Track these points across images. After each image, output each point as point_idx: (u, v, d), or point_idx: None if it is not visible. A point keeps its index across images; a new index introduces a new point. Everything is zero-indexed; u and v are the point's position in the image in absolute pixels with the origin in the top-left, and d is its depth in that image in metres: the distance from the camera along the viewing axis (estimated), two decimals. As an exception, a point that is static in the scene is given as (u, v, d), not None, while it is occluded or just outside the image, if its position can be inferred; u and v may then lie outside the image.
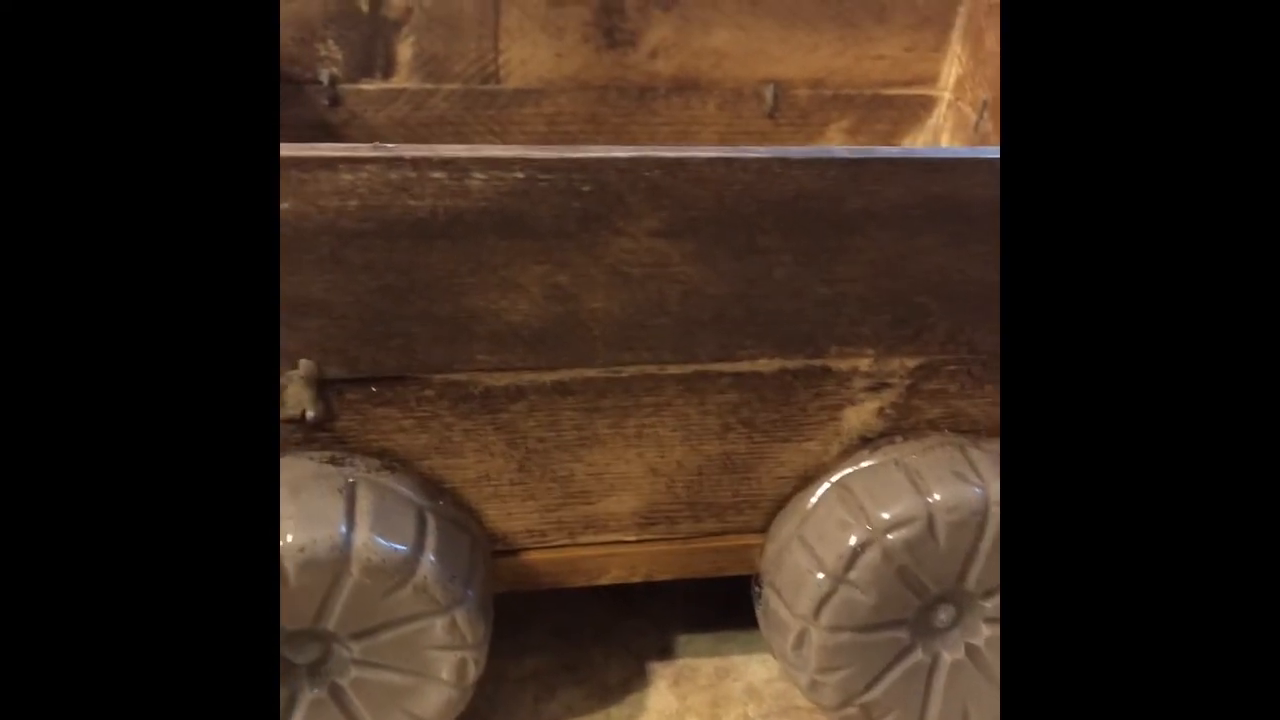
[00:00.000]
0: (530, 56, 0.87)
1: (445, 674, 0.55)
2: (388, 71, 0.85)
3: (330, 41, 0.83)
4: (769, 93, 0.92)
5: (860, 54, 0.92)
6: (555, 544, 0.59)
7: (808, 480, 0.60)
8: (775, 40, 0.90)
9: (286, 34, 0.82)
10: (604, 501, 0.58)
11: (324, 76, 0.84)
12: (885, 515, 0.55)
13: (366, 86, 0.85)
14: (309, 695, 0.55)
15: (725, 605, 0.71)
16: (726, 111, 0.92)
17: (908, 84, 0.95)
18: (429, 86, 0.86)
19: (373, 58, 0.84)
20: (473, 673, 0.55)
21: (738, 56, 0.90)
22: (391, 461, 0.54)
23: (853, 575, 0.56)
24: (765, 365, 0.56)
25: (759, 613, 0.62)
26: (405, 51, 0.85)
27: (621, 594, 0.72)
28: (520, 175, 0.49)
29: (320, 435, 0.53)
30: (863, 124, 0.95)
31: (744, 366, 0.56)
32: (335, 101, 0.85)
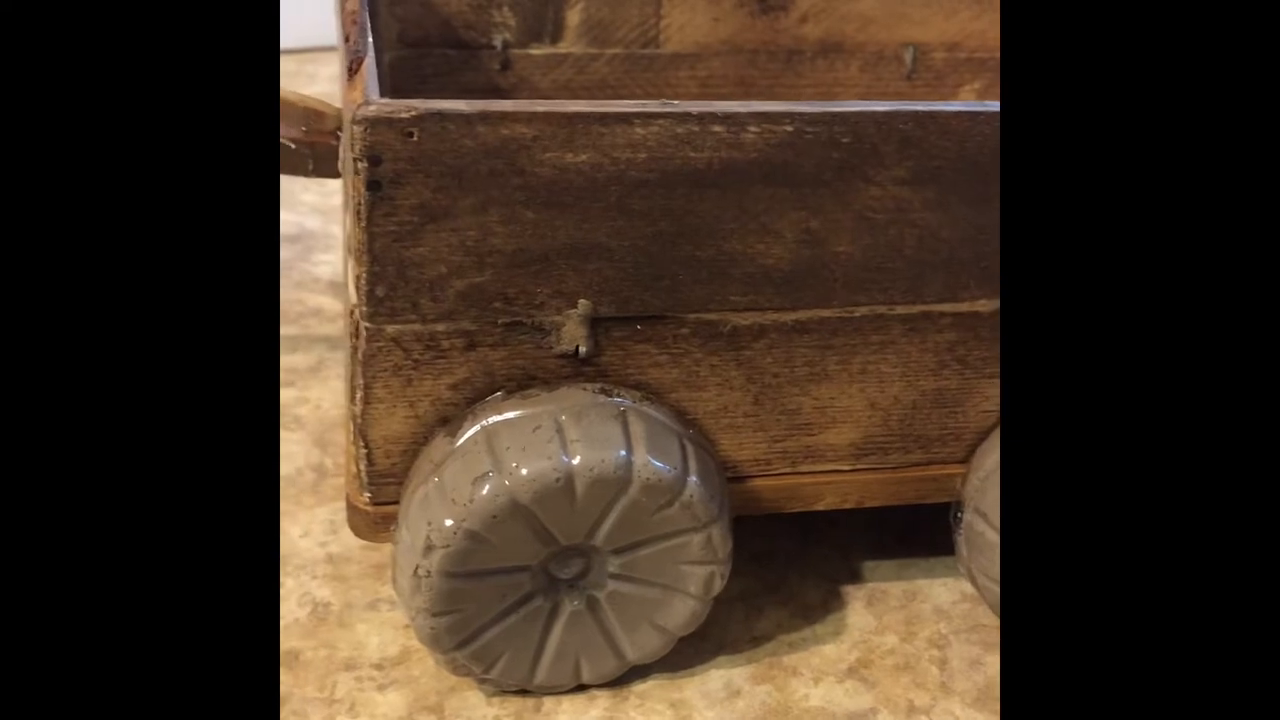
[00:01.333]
0: (688, 22, 0.91)
1: (694, 588, 0.60)
2: (556, 36, 0.90)
3: (505, 8, 0.87)
4: (909, 55, 0.96)
5: (995, 19, 0.96)
6: (778, 472, 0.64)
7: (1009, 414, 0.65)
8: (917, 4, 0.94)
9: (465, 0, 0.86)
10: (825, 433, 0.63)
11: (497, 41, 0.88)
12: (1095, 443, 0.60)
13: (535, 51, 0.90)
14: (569, 608, 0.60)
15: (901, 532, 0.76)
16: (867, 74, 0.96)
17: (1036, 47, 0.98)
18: (593, 51, 0.91)
19: (543, 23, 0.89)
20: (718, 586, 0.61)
21: (881, 20, 0.94)
22: (648, 394, 0.59)
23: (1064, 498, 0.61)
24: (984, 306, 0.61)
25: (958, 537, 0.67)
26: (574, 17, 0.89)
27: (804, 523, 0.77)
28: (790, 128, 0.53)
29: (586, 369, 0.58)
30: (993, 86, 0.99)
31: (964, 307, 0.61)
32: (506, 65, 0.89)
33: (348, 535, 0.71)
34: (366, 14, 0.62)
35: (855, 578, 0.73)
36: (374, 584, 0.69)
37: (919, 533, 0.75)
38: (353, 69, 0.55)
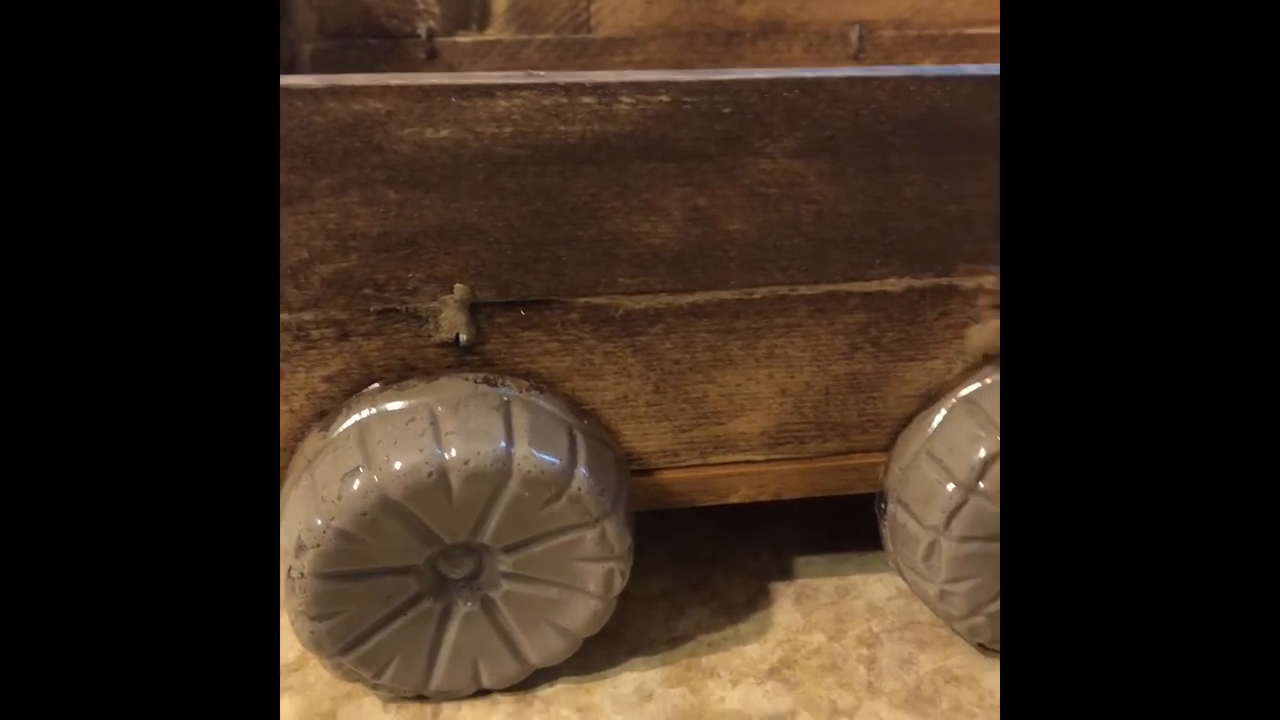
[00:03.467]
0: (621, 5, 0.88)
1: (593, 586, 0.57)
2: (483, 23, 0.87)
3: (429, -6, 0.85)
4: (854, 34, 0.93)
5: (944, -7, 0.93)
6: (687, 464, 0.61)
7: (932, 399, 0.61)
8: (860, -19, 0.91)
9: (387, -12, 0.84)
10: (734, 422, 0.60)
11: (422, 30, 0.86)
12: (1014, 426, 0.57)
13: (462, 39, 0.87)
14: (463, 609, 0.57)
15: (837, 529, 0.73)
16: (812, 54, 0.93)
17: (989, 23, 0.95)
18: (522, 37, 0.88)
19: (469, 9, 0.86)
20: (618, 584, 0.58)
21: (823, -1, 0.91)
22: (539, 383, 0.56)
23: (984, 485, 0.57)
24: (893, 285, 0.58)
25: (884, 529, 0.64)
26: (501, 3, 0.86)
27: (734, 518, 0.74)
28: (666, 98, 0.51)
29: (471, 358, 0.55)
30: (946, 63, 0.96)
31: (873, 286, 0.58)
32: (432, 55, 0.87)
33: (256, 539, 0.69)
34: None
35: (785, 574, 0.70)
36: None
37: (855, 528, 0.72)
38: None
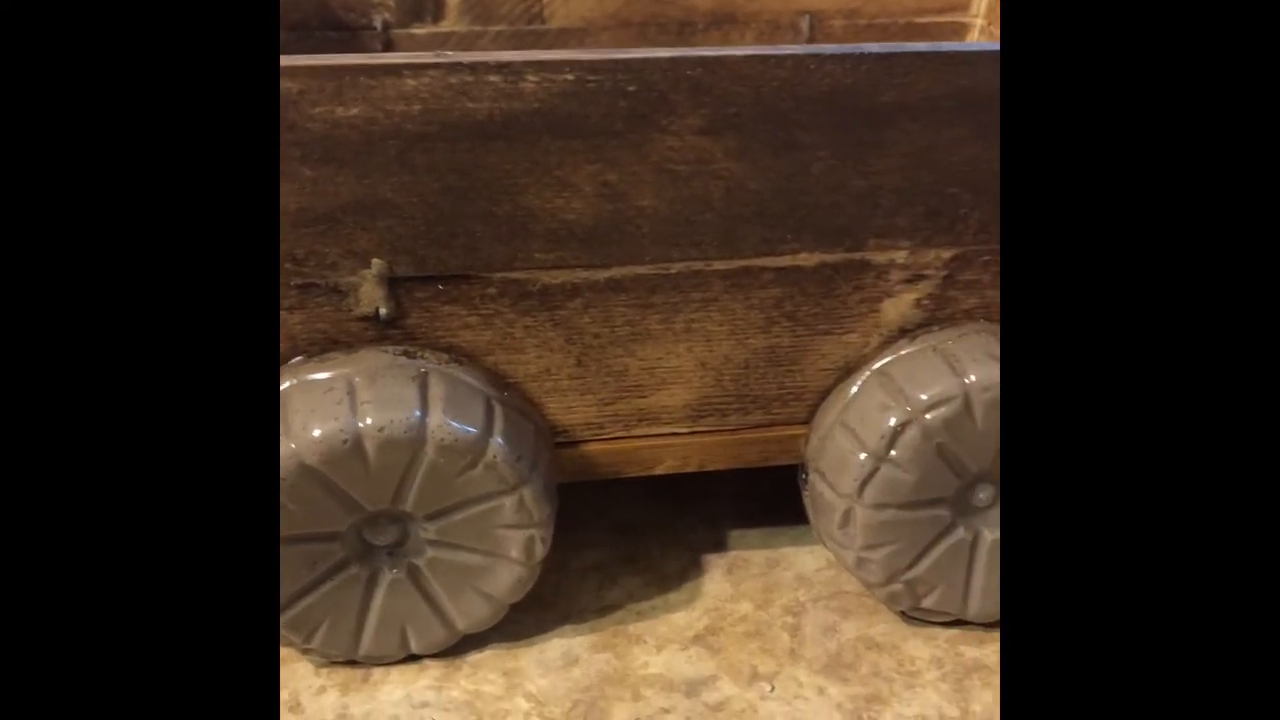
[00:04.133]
0: (573, -4, 0.90)
1: (515, 552, 0.59)
2: (437, 15, 0.89)
3: (383, -13, 0.87)
4: (805, 24, 0.94)
5: (894, -18, 0.94)
6: (612, 436, 0.63)
7: (849, 371, 0.63)
8: (810, -29, 0.93)
9: (341, -19, 0.86)
10: (656, 395, 0.62)
11: (377, 22, 0.88)
12: (923, 396, 0.59)
13: (417, 31, 0.89)
14: (389, 576, 0.59)
15: (772, 503, 0.75)
16: (763, 43, 0.95)
17: (940, 11, 0.97)
18: (477, 29, 0.90)
19: (423, 3, 0.88)
20: (539, 551, 0.59)
21: (773, -11, 0.93)
22: (459, 357, 0.58)
23: (894, 454, 0.59)
24: (806, 259, 0.59)
25: (806, 499, 0.65)
26: (454, -5, 0.88)
27: (675, 494, 0.75)
28: (570, 76, 0.52)
29: (392, 333, 0.57)
30: (898, 52, 0.97)
31: (785, 261, 0.59)
32: (388, 46, 0.89)
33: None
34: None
35: (718, 547, 0.72)
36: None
37: (789, 503, 0.74)
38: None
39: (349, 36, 0.88)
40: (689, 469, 0.65)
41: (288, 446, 0.53)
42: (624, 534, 0.72)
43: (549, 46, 0.91)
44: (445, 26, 0.89)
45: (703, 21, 0.93)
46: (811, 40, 0.95)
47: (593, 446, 0.63)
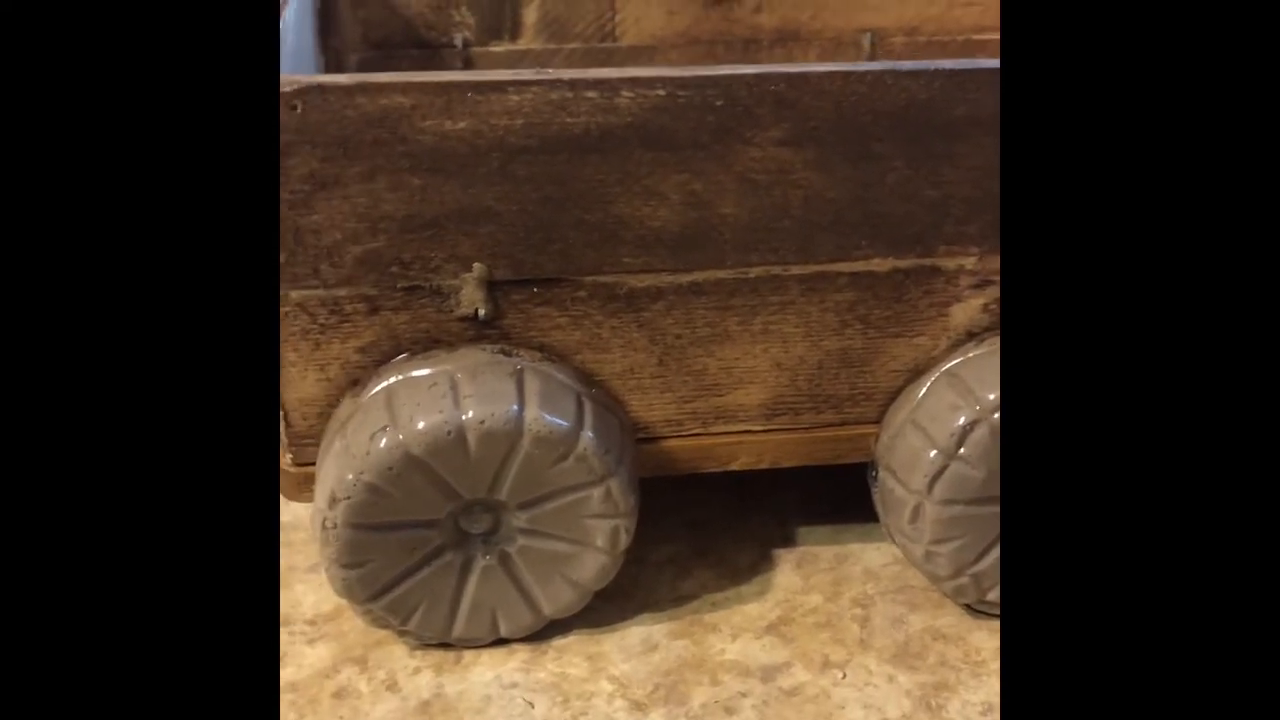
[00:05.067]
0: (644, 15, 0.94)
1: (600, 541, 0.62)
2: (515, 34, 0.93)
3: (464, 8, 0.91)
4: (866, 41, 0.97)
5: (953, 1, 0.97)
6: (690, 432, 0.66)
7: (918, 373, 0.66)
8: (871, -10, 0.96)
9: (424, 0, 0.91)
10: (733, 394, 0.65)
11: (458, 40, 0.92)
12: (992, 396, 0.61)
13: (495, 48, 0.94)
14: (482, 563, 0.63)
15: (839, 502, 0.77)
16: (826, 60, 0.98)
17: (997, 28, 0.99)
18: (552, 46, 0.94)
19: (501, 21, 0.92)
20: (624, 540, 0.63)
21: (836, 7, 0.96)
22: (550, 355, 0.62)
23: (963, 451, 0.62)
24: (879, 265, 0.62)
25: (875, 496, 0.68)
26: (531, 14, 0.92)
27: (744, 492, 0.78)
28: (662, 92, 0.56)
29: (489, 332, 0.61)
30: (956, 68, 1.00)
31: (859, 266, 0.62)
32: (467, 64, 0.93)
33: (299, 507, 0.75)
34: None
35: (788, 542, 0.74)
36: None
37: (857, 501, 0.76)
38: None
39: (430, 54, 0.93)
40: (762, 465, 0.68)
41: (395, 437, 0.57)
42: (697, 530, 0.75)
43: (620, 63, 0.95)
44: (522, 44, 0.93)
45: (768, 39, 0.96)
46: (873, 57, 0.98)
47: (672, 442, 0.66)
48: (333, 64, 0.90)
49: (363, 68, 0.92)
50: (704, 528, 0.76)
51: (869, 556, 0.73)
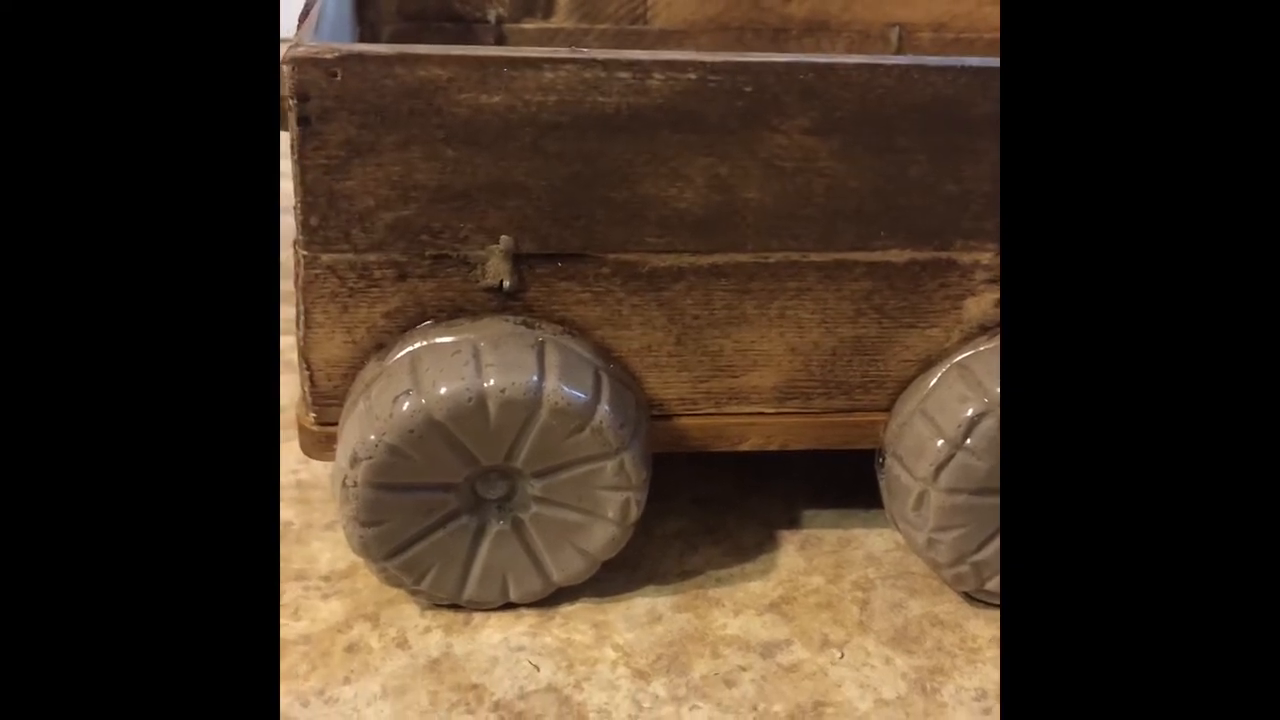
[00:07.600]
0: (675, 0, 0.95)
1: (611, 512, 0.64)
2: (548, 12, 0.94)
3: (498, -16, 0.93)
4: (894, 35, 0.98)
5: (982, -1, 0.98)
6: (703, 412, 0.68)
7: (930, 364, 0.67)
8: (902, -16, 0.97)
9: (460, -24, 0.92)
10: (747, 375, 0.67)
11: (491, 16, 0.93)
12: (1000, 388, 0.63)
13: (528, 26, 0.95)
14: (495, 528, 0.64)
15: (846, 486, 0.79)
16: (854, 52, 0.99)
17: (1027, 28, 1.00)
18: (584, 26, 0.95)
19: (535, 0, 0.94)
20: (634, 513, 0.64)
21: (865, 1, 0.97)
22: (571, 329, 0.63)
23: (970, 442, 0.63)
24: (896, 256, 0.64)
25: (881, 482, 0.70)
26: (564, -7, 0.94)
27: (752, 473, 0.80)
28: (693, 76, 0.57)
29: (513, 304, 0.63)
30: (982, 66, 1.01)
31: (877, 256, 0.64)
32: (500, 40, 0.94)
33: (319, 465, 0.77)
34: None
35: (793, 524, 0.76)
36: (335, 509, 0.74)
37: (862, 485, 0.78)
38: (304, 16, 0.60)
39: (464, 29, 0.94)
40: (772, 447, 0.69)
41: (417, 401, 0.58)
42: (704, 507, 0.77)
43: (650, 46, 0.96)
44: (555, 23, 0.95)
45: (797, 29, 0.97)
46: (899, 51, 0.99)
47: (685, 420, 0.68)
48: (367, 35, 0.91)
49: (396, 40, 0.93)
50: (711, 505, 0.77)
51: (872, 541, 0.75)
